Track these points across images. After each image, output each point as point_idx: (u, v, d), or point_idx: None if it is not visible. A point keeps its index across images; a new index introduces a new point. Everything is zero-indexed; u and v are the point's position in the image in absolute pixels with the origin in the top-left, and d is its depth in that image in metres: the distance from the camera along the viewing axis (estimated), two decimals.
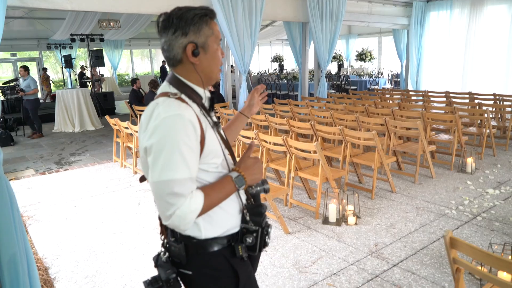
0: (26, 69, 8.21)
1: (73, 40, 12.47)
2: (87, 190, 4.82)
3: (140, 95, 8.45)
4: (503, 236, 3.18)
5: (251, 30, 7.23)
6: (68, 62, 12.39)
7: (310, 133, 4.96)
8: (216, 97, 7.63)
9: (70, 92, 9.20)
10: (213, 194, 1.20)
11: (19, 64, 14.77)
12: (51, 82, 12.05)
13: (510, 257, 2.62)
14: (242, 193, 1.34)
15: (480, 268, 2.26)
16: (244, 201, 1.35)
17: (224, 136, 1.34)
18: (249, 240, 1.28)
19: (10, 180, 5.31)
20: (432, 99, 7.77)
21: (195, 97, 1.23)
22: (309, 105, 6.90)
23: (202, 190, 1.18)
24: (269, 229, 1.36)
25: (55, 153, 6.93)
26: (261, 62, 21.13)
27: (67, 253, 3.23)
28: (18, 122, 9.17)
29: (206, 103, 1.29)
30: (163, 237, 1.33)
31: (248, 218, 1.32)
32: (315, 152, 3.70)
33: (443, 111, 6.18)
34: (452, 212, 3.72)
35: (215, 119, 1.32)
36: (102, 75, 13.73)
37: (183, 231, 1.22)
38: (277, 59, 19.94)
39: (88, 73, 14.65)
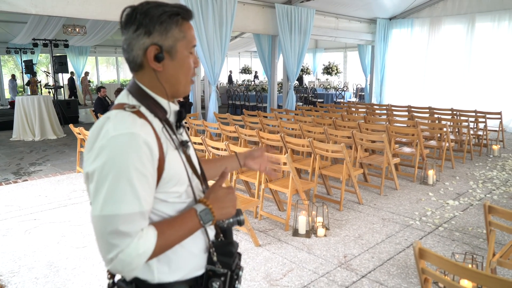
0: None
1: (35, 45, 12.00)
2: (48, 202, 4.59)
3: (106, 103, 8.23)
4: (463, 246, 3.33)
5: (222, 41, 7.26)
6: (29, 68, 11.86)
7: (279, 145, 5.01)
8: (187, 108, 7.57)
9: (31, 98, 8.80)
10: (170, 232, 0.99)
11: None
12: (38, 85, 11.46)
13: (470, 265, 2.75)
14: (210, 227, 1.12)
15: (444, 277, 2.36)
16: (212, 237, 1.13)
17: (193, 158, 1.15)
18: (215, 285, 1.07)
19: None
20: (395, 113, 8.08)
21: (158, 111, 1.04)
22: (278, 117, 6.99)
23: (156, 227, 0.97)
24: (240, 272, 1.13)
25: (13, 162, 6.58)
26: (232, 74, 21.19)
27: (25, 270, 3.05)
28: None
29: (171, 118, 1.09)
30: (109, 275, 1.09)
31: (215, 258, 1.10)
32: (285, 163, 3.73)
33: (406, 125, 6.44)
34: (416, 223, 3.85)
35: (184, 137, 1.13)
36: (61, 86, 13.22)
37: (128, 277, 0.99)
38: (246, 70, 20.10)
39: (50, 79, 14.11)
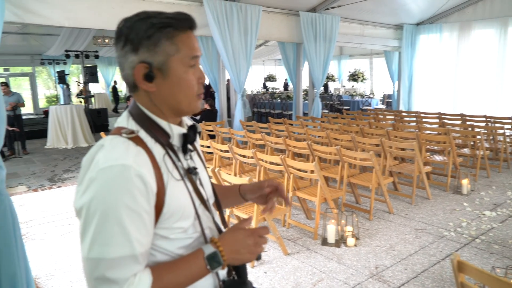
0: (7, 85, 8.09)
1: (67, 56, 12.47)
2: None
3: None
4: (503, 259, 3.18)
5: (247, 49, 7.32)
6: (61, 78, 12.34)
7: (306, 153, 4.97)
8: (213, 115, 7.64)
9: (64, 108, 9.14)
10: (169, 277, 0.86)
11: (12, 79, 14.67)
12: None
13: None
14: None
15: None
16: (222, 275, 0.99)
17: (205, 184, 1.03)
18: None
19: None
20: (424, 120, 7.89)
21: (159, 135, 0.92)
22: (304, 124, 6.95)
23: (153, 271, 0.85)
24: None
25: (48, 169, 6.82)
26: (254, 81, 21.30)
27: (61, 273, 3.14)
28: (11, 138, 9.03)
29: (176, 142, 0.96)
30: None
31: None
32: (312, 172, 3.70)
33: (437, 132, 6.27)
34: (450, 234, 3.72)
35: (191, 163, 0.99)
36: (92, 95, 13.71)
37: None
38: (270, 78, 20.17)
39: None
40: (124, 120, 0.95)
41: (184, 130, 0.99)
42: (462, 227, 3.87)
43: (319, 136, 5.89)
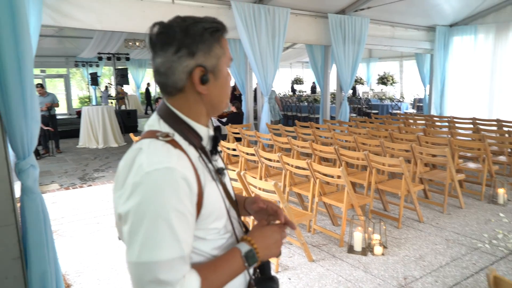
0: (43, 86, 8.42)
1: (99, 58, 12.87)
2: (109, 206, 4.84)
3: None
4: None
5: (274, 51, 7.30)
6: (94, 80, 12.75)
7: (333, 157, 4.89)
8: (239, 117, 7.66)
9: (96, 109, 9.42)
10: (214, 277, 0.89)
11: (48, 80, 15.26)
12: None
13: None
14: None
15: None
16: (250, 274, 1.01)
17: (228, 186, 1.05)
18: None
19: None
20: (457, 125, 7.60)
21: (193, 138, 0.95)
22: (331, 128, 6.85)
23: (199, 272, 0.87)
24: None
25: (79, 168, 7.04)
26: (281, 84, 21.27)
27: (89, 271, 3.21)
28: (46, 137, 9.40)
29: (207, 144, 0.99)
30: None
31: None
32: (339, 177, 3.63)
33: (471, 139, 6.02)
34: (485, 246, 3.55)
35: (219, 163, 1.02)
36: (122, 97, 14.13)
37: None
38: (298, 81, 20.07)
39: (112, 90, 15.04)
40: (155, 123, 0.96)
41: (212, 132, 1.02)
42: (498, 239, 3.68)
43: (346, 141, 5.79)
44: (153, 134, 0.90)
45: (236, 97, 10.10)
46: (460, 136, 6.11)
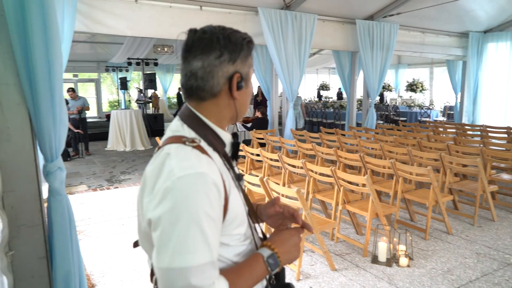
0: (74, 90, 8.71)
1: (129, 63, 13.22)
2: (134, 209, 4.92)
3: None
4: None
5: (300, 58, 7.27)
6: (123, 84, 13.09)
7: (358, 165, 4.80)
8: (264, 123, 7.67)
9: (124, 112, 9.67)
10: (241, 282, 0.89)
11: (80, 84, 15.81)
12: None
13: None
14: None
15: None
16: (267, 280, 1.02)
17: (245, 191, 1.08)
18: None
19: None
20: (491, 134, 7.31)
21: (217, 144, 0.96)
22: (357, 135, 6.74)
23: (227, 277, 0.87)
24: None
25: (107, 170, 7.23)
26: (307, 90, 21.17)
27: (113, 272, 3.27)
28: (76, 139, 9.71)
29: (228, 151, 1.01)
30: None
31: None
32: (364, 185, 3.55)
33: (505, 149, 5.77)
34: None
35: (237, 170, 1.05)
36: (149, 101, 14.46)
37: None
38: (324, 87, 19.92)
39: (147, 94, 15.41)
40: (179, 128, 0.96)
41: (232, 139, 1.03)
42: None
43: (372, 148, 5.67)
44: (179, 140, 0.91)
45: (258, 103, 10.12)
46: (493, 146, 5.86)
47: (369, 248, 3.58)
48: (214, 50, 0.92)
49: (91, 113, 14.93)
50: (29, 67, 1.40)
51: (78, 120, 8.37)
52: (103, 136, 10.51)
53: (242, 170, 5.58)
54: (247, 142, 7.57)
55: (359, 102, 10.83)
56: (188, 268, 0.80)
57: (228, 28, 0.96)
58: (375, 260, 3.44)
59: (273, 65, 7.49)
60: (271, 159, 4.91)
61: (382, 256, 3.42)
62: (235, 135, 1.04)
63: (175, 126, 0.97)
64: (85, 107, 8.55)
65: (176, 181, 0.82)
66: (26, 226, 1.52)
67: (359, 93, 9.82)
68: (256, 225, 1.10)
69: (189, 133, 0.94)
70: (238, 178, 1.00)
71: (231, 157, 1.01)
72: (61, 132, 1.55)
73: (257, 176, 3.54)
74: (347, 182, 3.76)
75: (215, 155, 0.94)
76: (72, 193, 5.68)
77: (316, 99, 18.84)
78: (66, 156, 8.18)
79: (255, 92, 10.49)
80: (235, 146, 1.02)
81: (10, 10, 1.33)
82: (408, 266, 3.30)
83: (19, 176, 1.49)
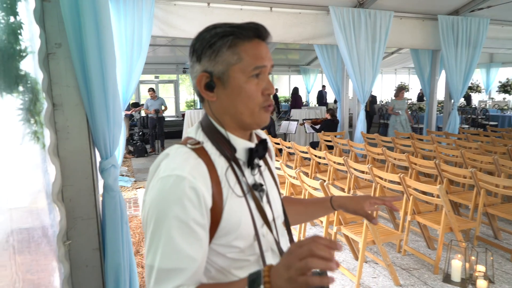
0: (154, 90, 9.31)
1: None
2: None
3: (271, 121, 8.79)
4: None
5: (374, 57, 6.93)
6: None
7: (434, 173, 4.41)
8: (334, 125, 7.45)
9: (197, 112, 10.11)
10: None
11: (160, 85, 16.91)
12: None
13: None
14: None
15: None
16: None
17: (273, 201, 0.98)
18: None
19: (138, 188, 5.98)
20: None
21: (225, 148, 0.90)
22: (435, 140, 6.21)
23: None
24: None
25: None
26: (384, 91, 20.18)
27: None
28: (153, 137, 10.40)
29: (241, 156, 0.93)
30: None
31: None
32: (438, 196, 3.24)
33: None
34: None
35: (258, 179, 0.96)
36: None
37: None
38: (401, 88, 18.80)
39: None
40: (193, 131, 0.95)
41: (251, 144, 0.95)
42: None
43: (452, 155, 5.18)
44: (185, 141, 0.92)
45: (293, 106, 9.73)
46: None
47: (441, 265, 3.26)
48: (191, 52, 0.91)
49: (170, 113, 15.86)
50: (85, 71, 1.49)
51: (155, 119, 8.94)
52: (179, 134, 11.11)
53: (307, 173, 5.47)
54: (315, 145, 7.42)
55: (441, 105, 10.00)
56: (153, 268, 0.80)
57: (216, 24, 0.90)
58: (447, 279, 3.12)
59: (344, 65, 7.23)
60: (336, 163, 4.73)
61: (456, 276, 3.09)
62: (261, 142, 0.96)
63: (191, 128, 0.97)
64: (164, 107, 9.15)
65: (158, 180, 0.83)
66: (82, 219, 1.63)
67: (440, 95, 9.07)
68: (281, 233, 1.00)
69: (200, 135, 0.93)
70: (254, 187, 0.92)
71: (247, 164, 0.94)
72: (115, 132, 1.64)
73: (322, 179, 3.42)
74: (420, 191, 3.46)
75: (221, 160, 0.89)
76: (144, 187, 6.05)
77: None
78: (143, 153, 8.80)
79: (283, 93, 10.17)
80: (249, 152, 0.93)
81: (67, 15, 1.43)
82: None
83: (76, 172, 1.60)
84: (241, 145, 0.93)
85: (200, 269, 0.84)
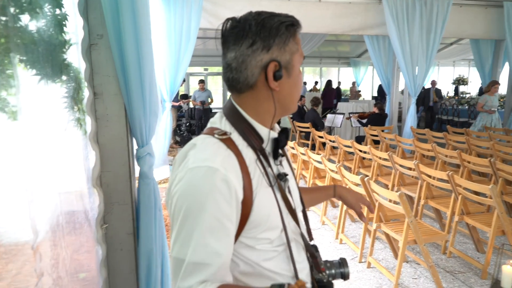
0: (203, 82, 9.56)
1: None
2: None
3: (303, 111, 8.68)
4: None
5: (428, 48, 6.56)
6: None
7: (488, 172, 4.12)
8: (382, 119, 7.18)
9: None
10: None
11: (210, 78, 17.31)
12: None
13: None
14: (305, 275, 0.94)
15: None
16: None
17: (293, 193, 0.98)
18: None
19: None
20: None
21: (253, 139, 0.89)
22: (493, 137, 5.78)
23: None
24: None
25: None
26: (441, 85, 19.08)
27: None
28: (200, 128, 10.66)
29: (268, 147, 0.92)
30: None
31: None
32: (491, 196, 3.02)
33: None
34: None
35: (281, 168, 0.96)
36: None
37: None
38: (459, 81, 17.64)
39: None
40: (217, 120, 0.94)
41: (276, 134, 0.95)
42: None
43: (511, 154, 4.80)
44: (211, 131, 0.89)
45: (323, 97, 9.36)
46: None
47: (490, 269, 3.05)
48: (245, 39, 0.86)
49: (217, 104, 16.20)
50: (123, 62, 1.56)
51: (202, 111, 9.19)
52: None
53: (350, 168, 5.35)
54: (361, 139, 7.21)
55: (503, 99, 9.27)
56: (180, 260, 0.79)
57: (266, 12, 0.88)
58: (496, 285, 2.90)
59: (395, 57, 6.93)
60: (381, 158, 4.57)
61: (507, 283, 2.86)
62: (283, 131, 0.95)
63: (215, 118, 0.95)
64: (209, 100, 9.38)
65: (187, 171, 0.81)
66: (118, 204, 1.72)
67: (503, 88, 8.41)
68: (302, 225, 1.00)
69: (225, 126, 0.91)
70: (279, 177, 0.92)
71: (273, 154, 0.94)
72: (151, 121, 1.71)
73: (367, 175, 3.33)
74: (473, 192, 3.25)
75: (248, 151, 0.88)
76: None
77: (450, 94, 16.84)
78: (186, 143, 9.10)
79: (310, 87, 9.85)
80: (275, 142, 0.93)
81: (107, 7, 1.51)
82: None
83: (114, 159, 1.69)
84: (267, 135, 0.92)
85: (225, 265, 0.82)
